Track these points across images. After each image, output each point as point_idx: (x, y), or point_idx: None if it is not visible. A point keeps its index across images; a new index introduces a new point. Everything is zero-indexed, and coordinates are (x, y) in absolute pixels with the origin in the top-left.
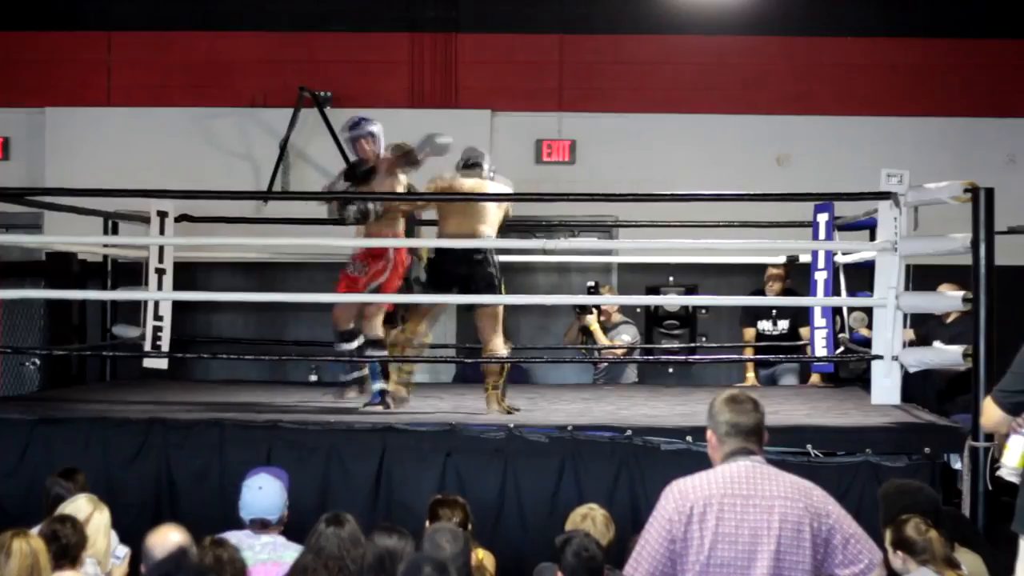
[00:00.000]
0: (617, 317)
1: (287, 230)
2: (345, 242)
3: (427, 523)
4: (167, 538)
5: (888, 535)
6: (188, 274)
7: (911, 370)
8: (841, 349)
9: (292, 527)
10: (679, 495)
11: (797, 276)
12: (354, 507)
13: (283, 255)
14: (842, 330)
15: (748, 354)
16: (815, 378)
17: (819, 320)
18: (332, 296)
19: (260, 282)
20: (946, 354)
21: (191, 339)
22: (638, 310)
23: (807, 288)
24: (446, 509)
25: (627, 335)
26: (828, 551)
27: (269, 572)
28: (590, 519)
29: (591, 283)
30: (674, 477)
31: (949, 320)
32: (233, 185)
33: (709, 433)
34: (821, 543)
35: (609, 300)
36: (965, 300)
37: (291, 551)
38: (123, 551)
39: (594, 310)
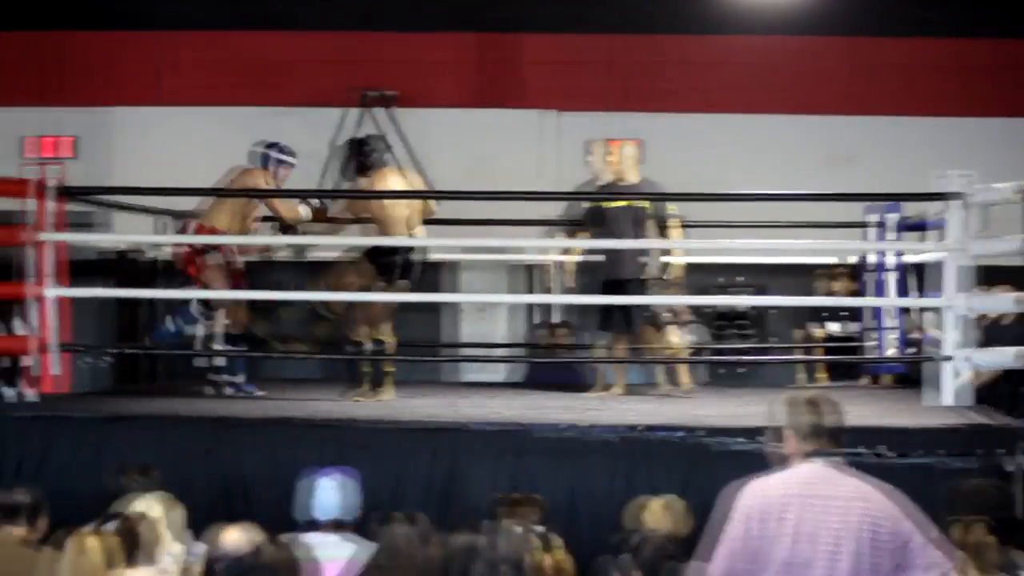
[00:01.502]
0: (683, 317)
1: (349, 229)
2: (410, 241)
3: (501, 521)
4: (240, 536)
5: (952, 534)
6: (253, 273)
7: (981, 370)
8: (910, 350)
9: (363, 526)
10: (759, 493)
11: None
12: (424, 506)
13: (346, 254)
14: (911, 331)
15: (815, 356)
16: (885, 379)
17: (888, 321)
18: (394, 295)
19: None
20: (1015, 355)
21: (255, 338)
22: (705, 310)
23: (875, 289)
24: (523, 507)
25: (693, 335)
26: (904, 554)
27: (340, 570)
28: (670, 510)
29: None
30: (745, 477)
31: (1005, 322)
32: (294, 185)
33: (788, 433)
34: (898, 545)
35: (671, 300)
36: None
37: (363, 549)
38: (199, 549)
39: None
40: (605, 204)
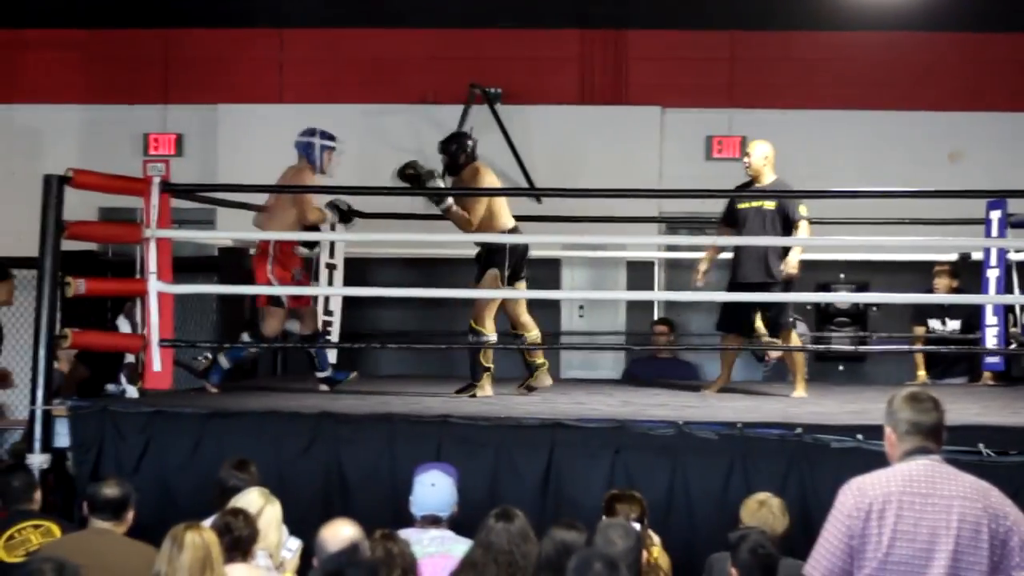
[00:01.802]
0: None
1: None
2: (514, 238)
3: (603, 517)
4: (340, 532)
5: None
6: (359, 270)
7: None
8: (1013, 346)
9: (461, 522)
10: (858, 492)
11: (970, 275)
12: (523, 502)
13: (453, 251)
14: (1015, 327)
15: (918, 356)
16: (987, 376)
17: (991, 318)
18: (501, 292)
19: (429, 277)
20: None
21: (360, 333)
22: (807, 307)
23: (979, 286)
24: (623, 504)
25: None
26: (1005, 553)
27: (438, 565)
28: (767, 507)
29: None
30: (844, 475)
31: None
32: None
33: (888, 431)
34: (998, 544)
35: (772, 297)
36: None
37: (460, 545)
38: (295, 544)
39: None
40: (740, 205)
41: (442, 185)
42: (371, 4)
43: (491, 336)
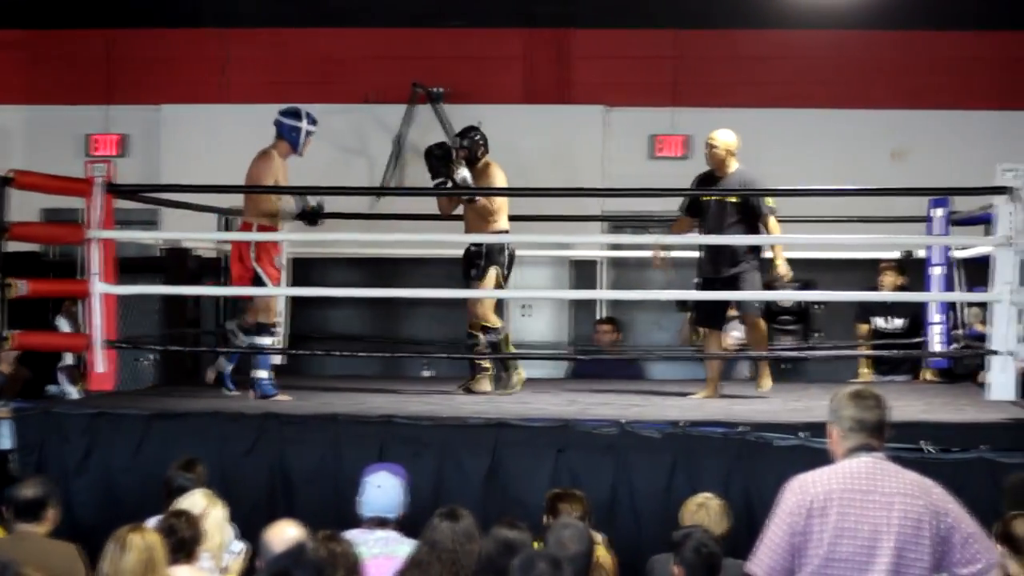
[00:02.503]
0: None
1: (402, 226)
2: (459, 237)
3: (545, 517)
4: (285, 533)
5: (996, 527)
6: (304, 270)
7: None
8: (956, 345)
9: (406, 522)
10: (800, 489)
11: (914, 272)
12: (467, 502)
13: (398, 251)
14: (957, 326)
15: (862, 351)
16: (928, 373)
17: (934, 315)
18: (447, 292)
19: (375, 277)
20: None
21: (307, 335)
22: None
23: (923, 284)
24: (565, 503)
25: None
26: (947, 549)
27: (383, 566)
28: (705, 508)
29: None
30: (788, 473)
31: None
32: (348, 181)
33: (831, 428)
34: (940, 541)
35: (716, 295)
36: None
37: (405, 546)
38: (239, 546)
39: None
40: (704, 197)
41: (465, 171)
42: (315, 4)
43: (501, 328)
